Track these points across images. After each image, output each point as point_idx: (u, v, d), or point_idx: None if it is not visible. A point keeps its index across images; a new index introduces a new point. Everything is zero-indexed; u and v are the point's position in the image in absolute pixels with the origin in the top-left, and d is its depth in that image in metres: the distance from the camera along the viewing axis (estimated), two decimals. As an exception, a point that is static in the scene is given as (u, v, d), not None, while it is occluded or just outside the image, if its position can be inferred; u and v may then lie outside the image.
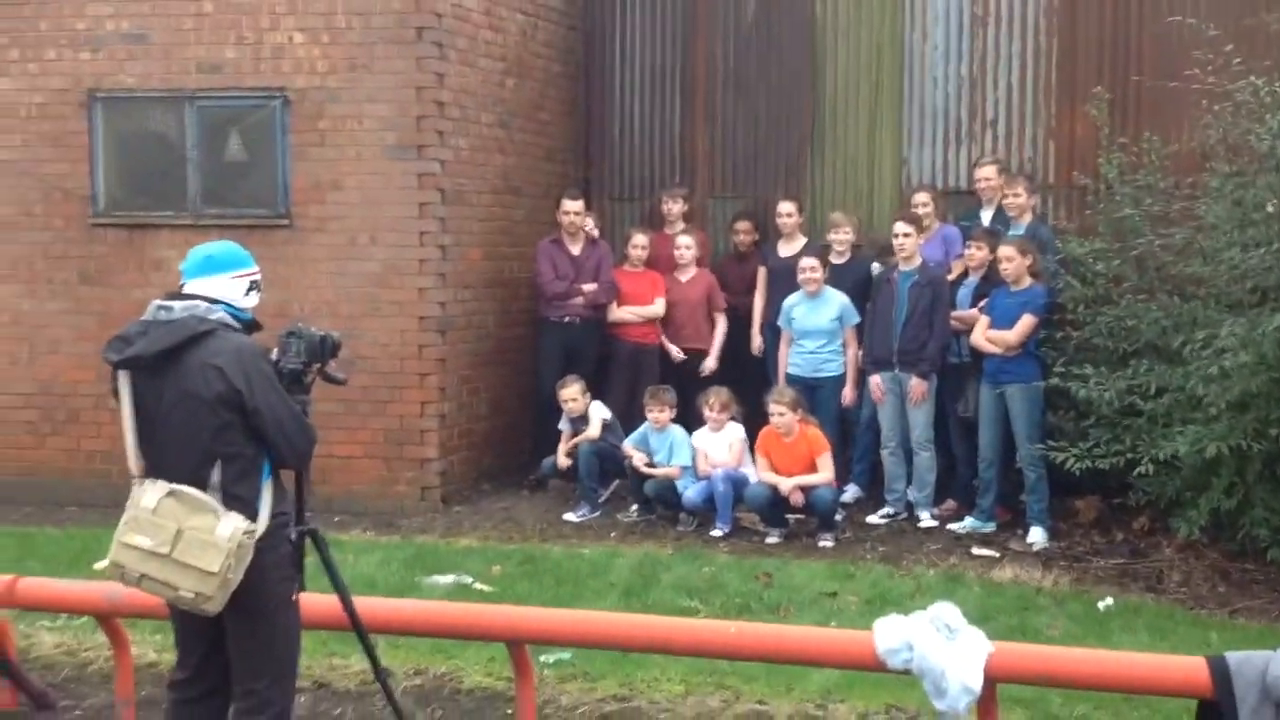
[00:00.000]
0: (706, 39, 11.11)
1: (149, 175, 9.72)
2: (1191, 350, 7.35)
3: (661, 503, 8.99)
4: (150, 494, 4.16)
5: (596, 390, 9.69)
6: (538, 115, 10.89)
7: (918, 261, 8.92)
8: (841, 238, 9.57)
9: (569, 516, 9.14)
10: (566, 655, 5.97)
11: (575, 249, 10.05)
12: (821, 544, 8.45)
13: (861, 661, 4.37)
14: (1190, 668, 4.18)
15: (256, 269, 4.56)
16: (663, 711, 5.46)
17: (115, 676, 5.44)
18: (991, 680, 4.24)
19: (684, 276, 10.10)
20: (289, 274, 9.55)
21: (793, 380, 9.17)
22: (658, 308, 9.98)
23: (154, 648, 6.17)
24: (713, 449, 8.90)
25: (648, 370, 9.93)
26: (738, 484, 8.70)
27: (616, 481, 9.55)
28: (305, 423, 4.43)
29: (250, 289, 4.50)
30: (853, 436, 9.50)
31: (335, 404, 9.40)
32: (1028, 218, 9.21)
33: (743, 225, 10.52)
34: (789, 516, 8.69)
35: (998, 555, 8.18)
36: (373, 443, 9.57)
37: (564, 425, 9.49)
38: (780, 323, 9.38)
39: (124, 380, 4.29)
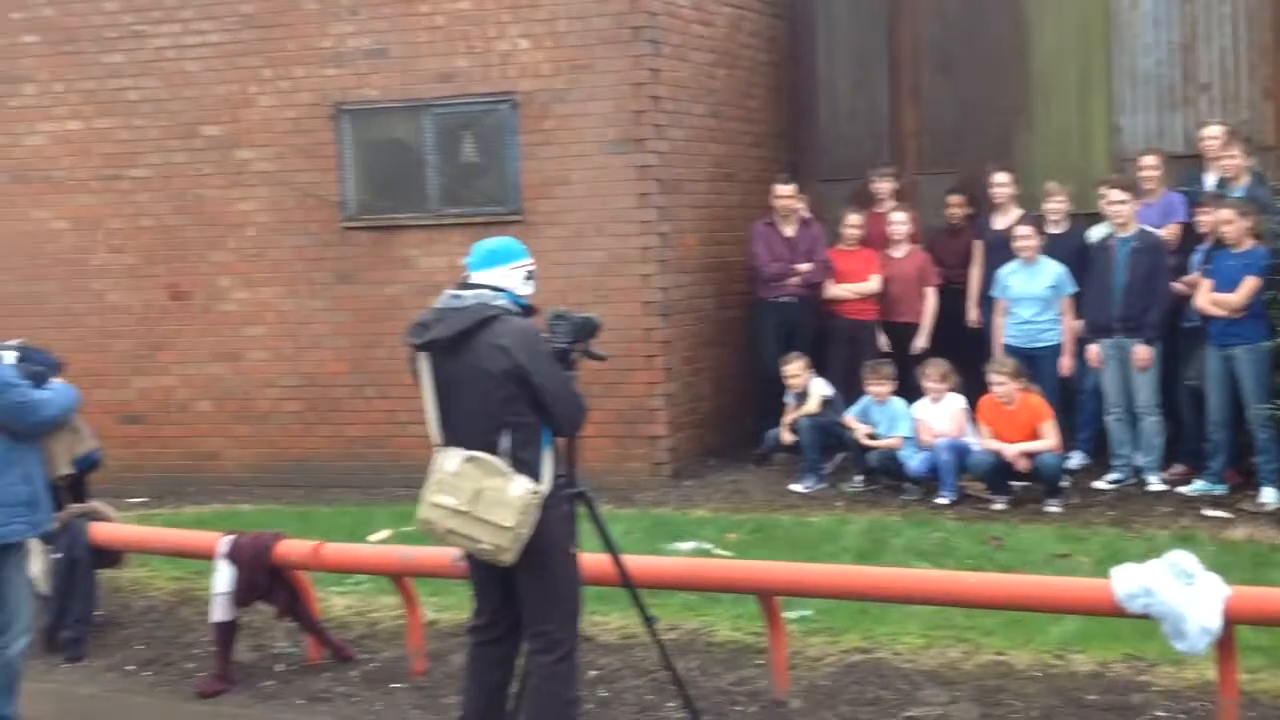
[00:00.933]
0: (911, 19, 11.31)
1: (393, 180, 10.47)
2: None
3: (885, 473, 9.28)
4: (452, 459, 4.73)
5: (817, 367, 10.03)
6: (746, 103, 11.26)
7: (1135, 228, 8.98)
8: (1056, 206, 9.68)
9: (795, 487, 9.51)
10: (809, 612, 6.34)
11: (789, 231, 10.39)
12: (1048, 509, 8.61)
13: (1100, 607, 4.63)
14: None
15: (531, 260, 5.07)
16: (905, 662, 5.78)
17: (407, 630, 6.05)
18: (1230, 622, 4.45)
19: (898, 253, 10.35)
20: (522, 266, 10.16)
21: (1011, 350, 9.33)
22: (873, 284, 10.25)
23: (432, 608, 6.78)
24: (933, 419, 9.13)
25: (866, 345, 10.23)
26: (961, 453, 8.92)
27: (840, 455, 9.85)
28: (577, 394, 4.96)
29: (528, 278, 5.00)
30: (1076, 403, 9.60)
31: (570, 387, 10.02)
32: (1245, 179, 9.16)
33: (955, 199, 10.69)
34: (1013, 484, 8.86)
35: (1230, 516, 8.20)
36: (605, 422, 10.06)
37: (788, 400, 9.85)
38: (994, 292, 9.55)
39: (424, 361, 4.85)
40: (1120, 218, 8.95)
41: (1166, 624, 4.49)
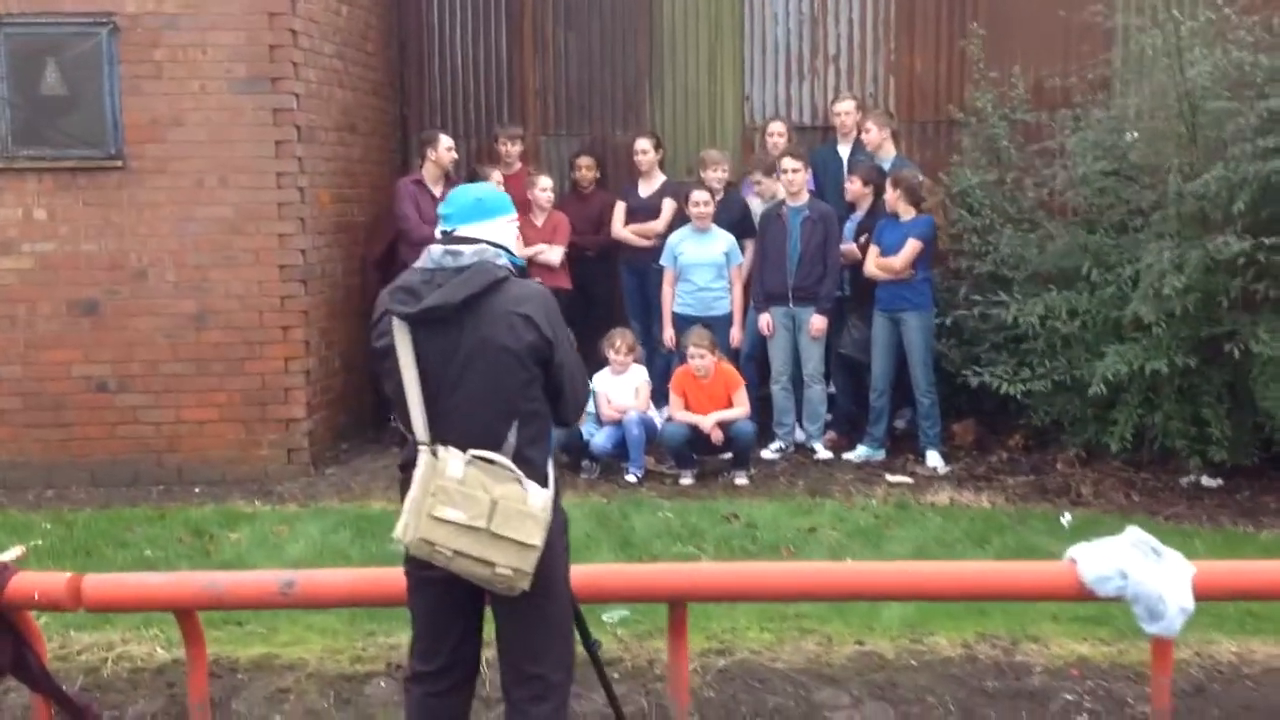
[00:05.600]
0: (531, -37, 10.71)
1: (-50, 112, 8.42)
2: (1106, 276, 7.81)
3: (564, 450, 8.69)
4: (454, 462, 3.65)
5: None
6: (365, 47, 10.17)
7: (806, 197, 8.98)
8: (719, 174, 9.49)
9: (465, 471, 8.68)
10: (627, 612, 5.70)
11: (438, 190, 9.48)
12: (738, 481, 8.43)
13: (1065, 592, 4.40)
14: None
15: None
16: (771, 661, 5.29)
17: (187, 677, 4.72)
18: (1197, 599, 4.37)
19: (539, 220, 9.73)
20: (124, 221, 8.60)
21: (681, 319, 9.06)
22: (554, 255, 9.56)
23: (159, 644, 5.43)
24: (616, 393, 8.68)
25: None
26: (649, 427, 8.54)
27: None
28: (586, 377, 4.05)
29: (517, 235, 4.00)
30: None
31: (184, 364, 8.65)
32: (890, 151, 9.45)
33: (585, 161, 10.25)
34: (697, 456, 8.61)
35: (911, 481, 8.42)
36: (230, 405, 8.76)
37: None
38: (664, 261, 9.23)
39: (402, 334, 3.73)
40: (794, 186, 8.91)
41: (1139, 606, 4.34)
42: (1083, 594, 4.38)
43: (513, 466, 3.69)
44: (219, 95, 8.55)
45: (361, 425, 9.87)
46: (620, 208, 9.88)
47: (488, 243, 3.87)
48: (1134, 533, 4.46)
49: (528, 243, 9.57)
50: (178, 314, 8.63)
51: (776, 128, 9.78)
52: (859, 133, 9.60)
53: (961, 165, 9.16)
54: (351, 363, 9.73)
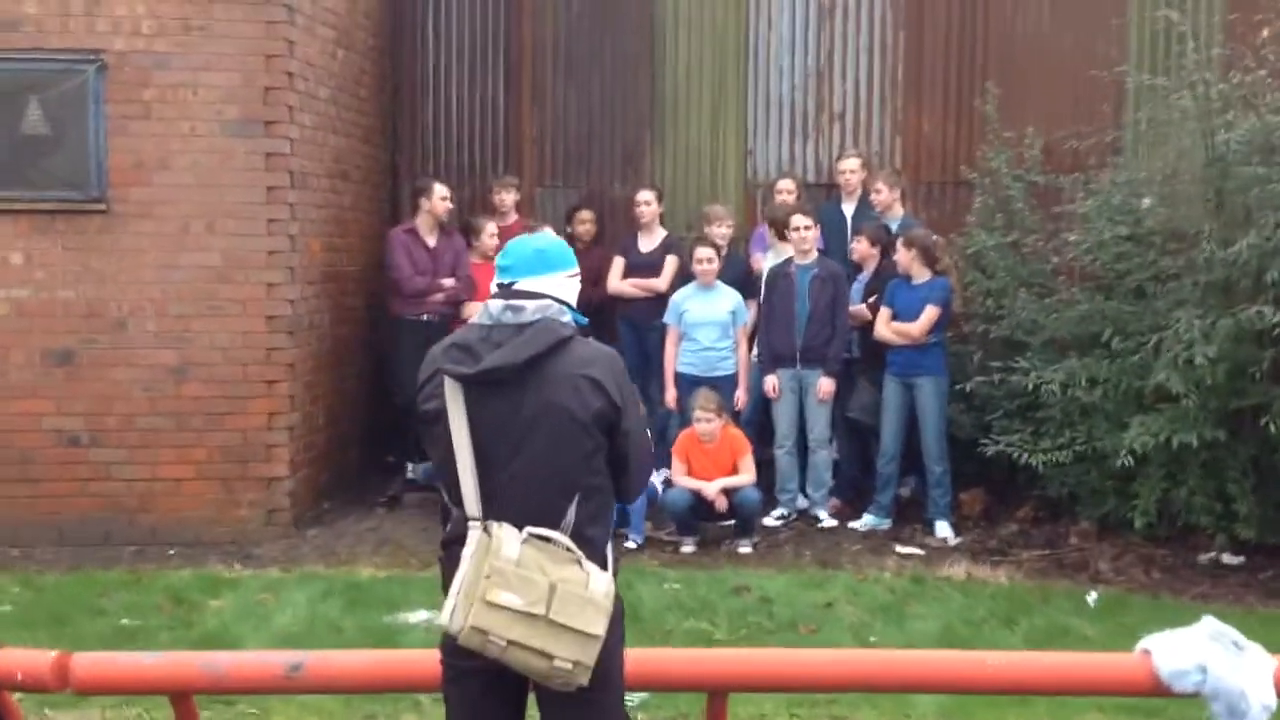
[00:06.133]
0: (532, 12, 10.44)
1: (-74, 150, 8.04)
2: (1127, 344, 7.55)
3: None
4: (510, 540, 3.26)
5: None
6: (358, 92, 9.87)
7: (815, 255, 8.71)
8: (724, 230, 9.21)
9: (457, 535, 8.29)
10: (646, 695, 5.31)
11: (431, 240, 9.17)
12: (742, 549, 8.09)
13: (1139, 687, 4.03)
14: None
15: None
16: (804, 753, 4.94)
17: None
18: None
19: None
20: (104, 267, 8.21)
21: (685, 379, 8.74)
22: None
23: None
24: (616, 455, 8.31)
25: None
26: (650, 493, 8.19)
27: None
28: (652, 449, 3.70)
29: (578, 291, 3.66)
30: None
31: (162, 418, 8.23)
32: (898, 211, 9.22)
33: (584, 215, 9.97)
34: (700, 524, 8.27)
35: (922, 553, 8.09)
36: (209, 462, 8.35)
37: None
38: (668, 318, 8.90)
39: (455, 398, 3.36)
40: (805, 244, 8.63)
41: (1219, 703, 3.98)
42: (1158, 689, 4.02)
43: (572, 546, 3.32)
44: (209, 138, 8.21)
45: (344, 484, 9.46)
46: (619, 263, 9.57)
47: (551, 298, 3.53)
48: (1210, 623, 4.11)
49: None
50: (157, 365, 8.24)
51: (785, 185, 9.53)
52: (864, 191, 9.37)
53: (975, 226, 8.89)
54: (335, 417, 9.34)
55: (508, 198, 9.87)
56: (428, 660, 3.68)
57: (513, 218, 9.86)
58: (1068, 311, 8.13)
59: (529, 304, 3.46)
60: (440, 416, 3.40)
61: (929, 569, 7.69)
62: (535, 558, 3.27)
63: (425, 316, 9.01)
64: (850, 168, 9.43)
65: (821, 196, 9.99)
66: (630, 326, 9.58)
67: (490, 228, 9.36)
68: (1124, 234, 8.19)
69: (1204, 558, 7.79)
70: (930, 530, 8.46)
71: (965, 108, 9.91)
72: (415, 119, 10.59)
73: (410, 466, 9.17)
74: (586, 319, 3.72)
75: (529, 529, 3.31)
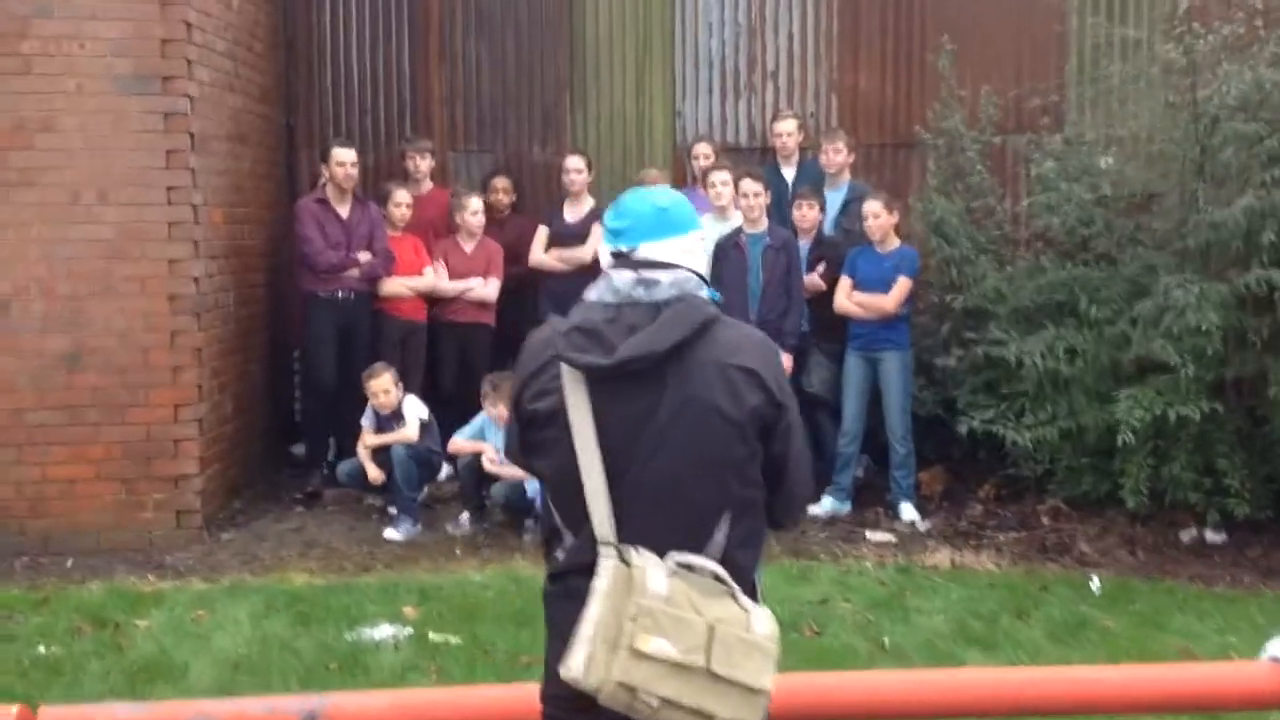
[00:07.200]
0: (438, -35, 9.63)
1: None
2: (1104, 312, 7.19)
3: (508, 509, 7.64)
4: (655, 572, 2.56)
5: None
6: (253, 46, 8.92)
7: (765, 224, 8.14)
8: (664, 197, 8.56)
9: (392, 535, 7.54)
10: None
11: (344, 210, 8.33)
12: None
13: (1275, 699, 3.60)
14: None
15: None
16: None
17: None
18: None
19: (469, 247, 8.66)
20: (-20, 243, 7.18)
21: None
22: (429, 279, 8.51)
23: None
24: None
25: (415, 352, 8.51)
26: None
27: (425, 489, 8.05)
28: (811, 461, 3.00)
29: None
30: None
31: (52, 413, 7.31)
32: (847, 176, 8.72)
33: (500, 184, 9.25)
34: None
35: (894, 539, 7.62)
36: (107, 460, 7.43)
37: (365, 422, 7.84)
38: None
39: (579, 394, 2.67)
40: (754, 212, 8.05)
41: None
42: (1309, 703, 3.60)
43: (725, 576, 2.64)
44: (99, 96, 7.26)
45: (252, 480, 8.60)
46: (542, 233, 8.87)
47: (685, 269, 2.84)
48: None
49: (457, 274, 8.53)
50: (45, 353, 7.28)
51: (702, 149, 8.93)
52: (801, 154, 8.86)
53: (935, 190, 8.42)
54: (243, 406, 8.46)
55: (423, 164, 9.06)
56: (470, 699, 3.05)
57: (428, 185, 9.08)
58: (1035, 280, 7.72)
59: (663, 276, 2.77)
60: (556, 417, 2.70)
61: (910, 557, 7.22)
62: (685, 592, 2.59)
63: (340, 293, 8.21)
64: (787, 130, 8.89)
65: (755, 160, 9.41)
66: (555, 302, 8.85)
67: (400, 195, 8.56)
68: (1087, 196, 7.82)
69: (1185, 536, 7.47)
70: (894, 513, 8.00)
71: (904, 65, 9.44)
72: (311, 76, 9.68)
73: (330, 460, 8.36)
74: (719, 296, 3.05)
75: (673, 556, 2.65)
